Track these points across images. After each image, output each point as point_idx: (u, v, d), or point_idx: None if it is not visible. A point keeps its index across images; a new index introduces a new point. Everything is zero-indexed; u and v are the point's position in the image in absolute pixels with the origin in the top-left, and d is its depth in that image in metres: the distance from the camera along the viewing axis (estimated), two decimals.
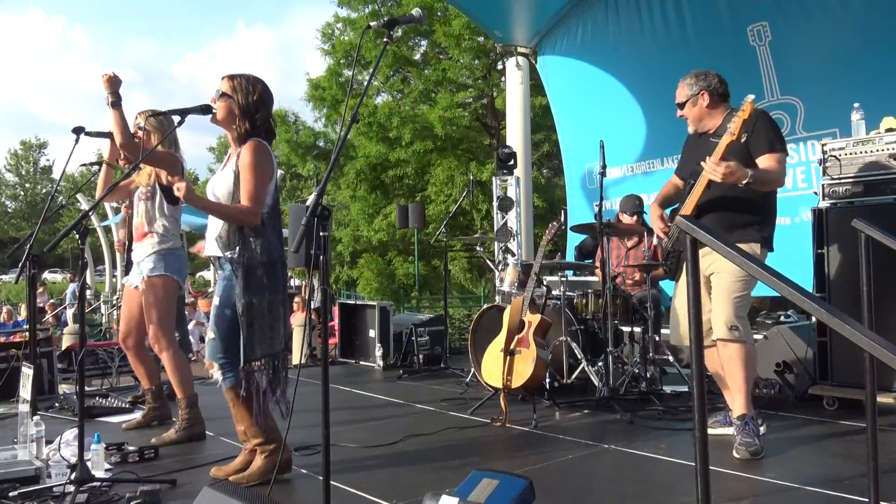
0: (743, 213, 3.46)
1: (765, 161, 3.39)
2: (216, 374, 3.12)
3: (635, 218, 5.57)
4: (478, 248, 7.73)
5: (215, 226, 3.10)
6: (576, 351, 4.73)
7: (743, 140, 3.37)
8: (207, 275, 28.23)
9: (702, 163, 3.31)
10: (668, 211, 3.85)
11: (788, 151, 3.54)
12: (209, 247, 3.16)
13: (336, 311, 8.03)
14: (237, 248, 2.99)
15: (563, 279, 5.00)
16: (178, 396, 3.98)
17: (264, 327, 3.00)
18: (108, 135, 3.93)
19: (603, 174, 4.79)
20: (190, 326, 10.68)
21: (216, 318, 3.14)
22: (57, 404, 4.85)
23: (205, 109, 3.05)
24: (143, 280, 3.99)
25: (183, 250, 4.24)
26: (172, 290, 4.03)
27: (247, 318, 2.97)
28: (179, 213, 4.17)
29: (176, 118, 3.02)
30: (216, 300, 3.17)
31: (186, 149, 4.83)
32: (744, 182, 3.25)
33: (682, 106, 3.66)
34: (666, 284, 5.74)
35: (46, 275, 38.02)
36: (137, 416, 4.37)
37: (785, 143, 3.50)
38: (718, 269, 3.46)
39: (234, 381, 3.07)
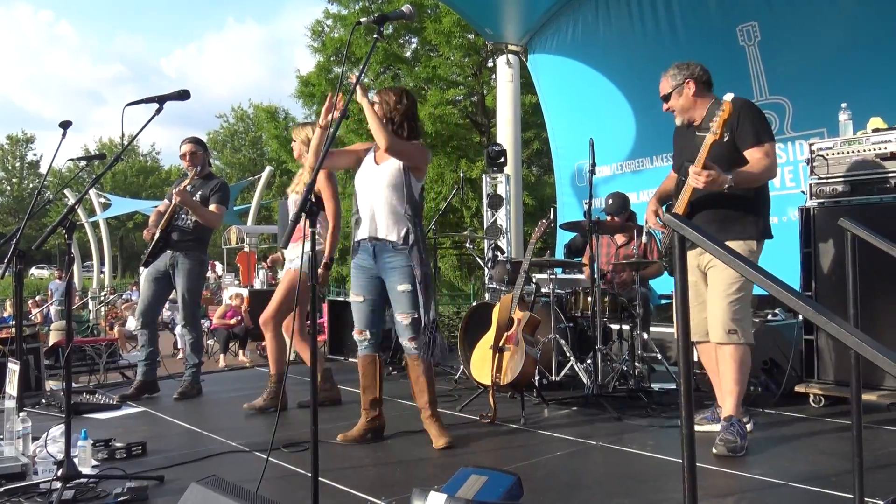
0: (737, 207, 3.44)
1: (752, 154, 3.37)
2: (413, 347, 3.57)
3: (616, 218, 5.55)
4: (467, 245, 7.73)
5: (383, 210, 3.52)
6: (564, 348, 4.75)
7: (726, 139, 3.34)
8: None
9: (689, 167, 3.31)
10: (664, 207, 3.83)
11: (775, 140, 3.51)
12: (364, 229, 3.58)
13: (325, 307, 8.01)
14: (408, 227, 3.48)
15: (552, 277, 5.01)
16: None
17: (431, 295, 3.58)
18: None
19: (592, 172, 4.79)
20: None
21: (412, 299, 3.52)
22: (44, 401, 4.83)
23: (182, 95, 3.10)
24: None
25: None
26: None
27: (424, 287, 3.51)
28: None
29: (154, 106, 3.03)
30: (406, 286, 3.51)
31: (175, 145, 4.80)
32: (725, 188, 3.24)
33: (667, 98, 3.62)
34: (655, 283, 5.76)
35: (33, 271, 37.70)
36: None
37: (772, 133, 3.47)
38: (715, 266, 3.46)
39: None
